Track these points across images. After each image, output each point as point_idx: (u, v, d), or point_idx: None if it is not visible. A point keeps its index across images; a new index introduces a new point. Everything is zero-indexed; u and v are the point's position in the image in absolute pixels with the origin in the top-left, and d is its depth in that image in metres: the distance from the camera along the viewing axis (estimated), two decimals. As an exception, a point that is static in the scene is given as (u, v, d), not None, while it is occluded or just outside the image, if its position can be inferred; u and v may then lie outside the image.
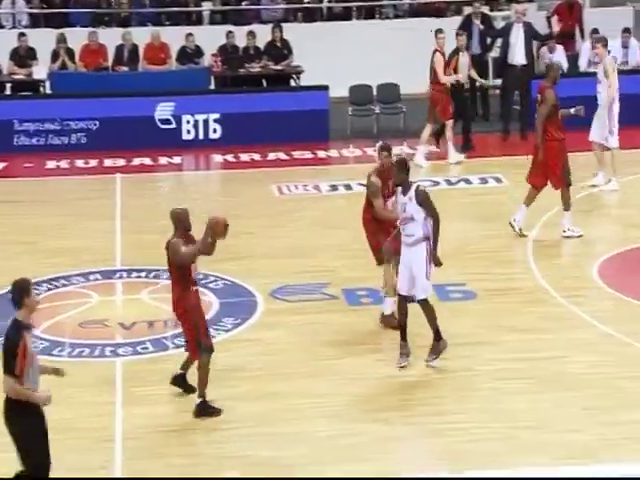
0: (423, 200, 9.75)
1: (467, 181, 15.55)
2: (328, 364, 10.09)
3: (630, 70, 17.86)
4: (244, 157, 17.09)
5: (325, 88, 17.70)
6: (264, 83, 19.05)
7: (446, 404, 9.33)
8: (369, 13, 20.68)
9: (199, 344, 9.12)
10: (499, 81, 18.40)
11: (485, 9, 19.94)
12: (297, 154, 17.11)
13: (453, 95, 16.45)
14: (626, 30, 18.42)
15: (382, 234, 10.65)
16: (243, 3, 20.58)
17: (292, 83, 18.96)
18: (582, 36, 18.89)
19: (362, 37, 19.69)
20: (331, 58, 18.96)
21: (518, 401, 9.28)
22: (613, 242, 12.83)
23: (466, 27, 18.20)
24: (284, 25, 19.29)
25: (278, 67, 18.85)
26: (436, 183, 15.46)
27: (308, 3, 20.59)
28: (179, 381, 9.46)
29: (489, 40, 18.41)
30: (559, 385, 9.42)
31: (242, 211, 14.13)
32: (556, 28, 18.07)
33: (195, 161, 17.49)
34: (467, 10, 19.99)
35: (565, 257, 12.56)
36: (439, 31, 16.54)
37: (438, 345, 9.91)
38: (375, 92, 18.26)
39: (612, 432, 8.78)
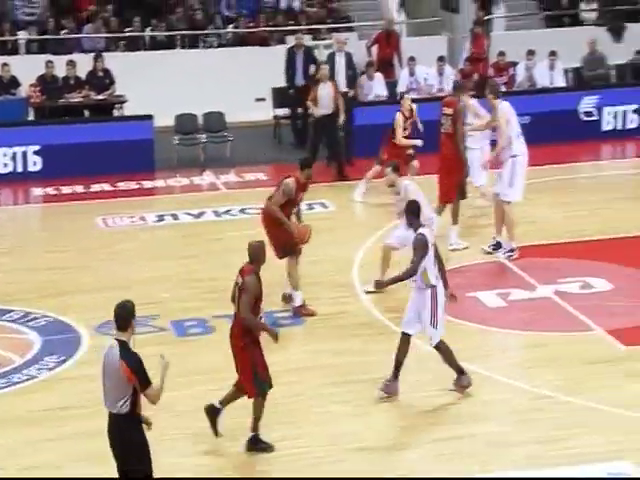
0: (415, 246, 9.74)
1: (325, 205, 15.64)
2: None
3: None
4: (66, 190, 16.72)
5: (149, 117, 17.57)
6: (86, 113, 18.73)
7: (279, 430, 9.36)
8: (193, 42, 20.68)
9: (256, 381, 8.94)
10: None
11: (308, 38, 20.28)
12: (122, 185, 16.88)
13: (322, 126, 16.58)
14: (441, 58, 19.09)
15: (282, 229, 11.49)
16: (62, 32, 20.20)
17: (115, 113, 18.72)
18: (400, 64, 19.42)
19: (186, 66, 19.67)
20: (155, 87, 18.85)
21: (348, 423, 9.41)
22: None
23: (290, 58, 18.41)
24: (106, 54, 19.04)
25: (100, 97, 18.58)
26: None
27: (130, 32, 20.40)
28: (213, 413, 9.18)
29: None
30: (379, 406, 9.60)
31: (64, 245, 13.83)
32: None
33: (13, 195, 16.97)
34: (290, 40, 20.28)
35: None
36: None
37: (462, 379, 9.93)
38: (201, 121, 18.26)
39: (432, 449, 9.01)
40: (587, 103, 18.71)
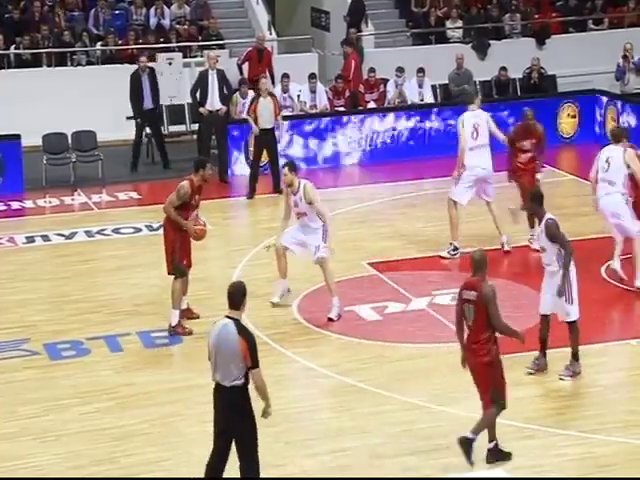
0: (553, 234, 10.18)
1: None
2: (31, 422, 9.72)
3: (318, 113, 18.73)
4: None
5: (17, 137, 17.15)
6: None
7: (156, 452, 9.23)
8: (61, 60, 20.30)
9: (495, 398, 8.81)
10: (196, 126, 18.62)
11: (179, 56, 20.17)
12: (-10, 206, 16.45)
13: (263, 140, 16.52)
14: (312, 75, 19.25)
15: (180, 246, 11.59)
16: None
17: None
18: (273, 81, 19.48)
19: (54, 84, 19.30)
20: (22, 106, 18.42)
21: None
22: (310, 279, 13.23)
23: (135, 81, 18.03)
24: (-30, 73, 18.54)
25: (-36, 117, 18.05)
26: (138, 230, 15.36)
27: (-6, 50, 19.90)
28: (467, 445, 8.83)
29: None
30: (262, 422, 9.46)
31: None
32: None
33: None
34: (160, 57, 20.11)
35: (267, 296, 12.79)
36: None
37: (576, 364, 10.42)
38: (70, 140, 17.91)
39: (315, 463, 9.01)
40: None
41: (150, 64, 18.90)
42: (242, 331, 7.89)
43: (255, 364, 7.90)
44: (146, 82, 18.26)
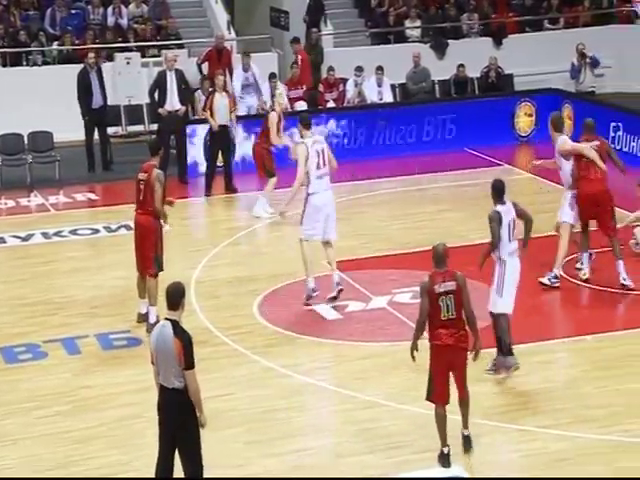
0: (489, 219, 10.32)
1: (127, 227, 15.32)
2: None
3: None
4: None
5: (-28, 138, 16.99)
6: None
7: (117, 455, 9.16)
8: (16, 60, 20.09)
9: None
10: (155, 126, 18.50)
11: (138, 56, 20.06)
12: (-55, 208, 16.27)
13: (219, 136, 16.43)
14: (272, 75, 19.18)
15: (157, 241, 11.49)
16: None
17: None
18: (232, 80, 19.40)
19: (9, 84, 19.10)
20: (-23, 107, 18.27)
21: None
22: (271, 279, 13.22)
23: (84, 79, 17.79)
24: None
25: None
26: (96, 231, 15.25)
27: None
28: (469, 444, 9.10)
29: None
30: (223, 423, 9.52)
31: None
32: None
33: None
34: (119, 57, 19.98)
35: (226, 296, 12.77)
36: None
37: (503, 360, 10.41)
38: (26, 141, 17.73)
39: (276, 463, 9.00)
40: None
41: (107, 63, 18.76)
42: (177, 332, 7.78)
43: (189, 365, 7.76)
44: (95, 80, 18.03)
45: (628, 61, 21.94)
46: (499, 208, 10.40)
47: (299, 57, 20.22)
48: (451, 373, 8.95)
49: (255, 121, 17.28)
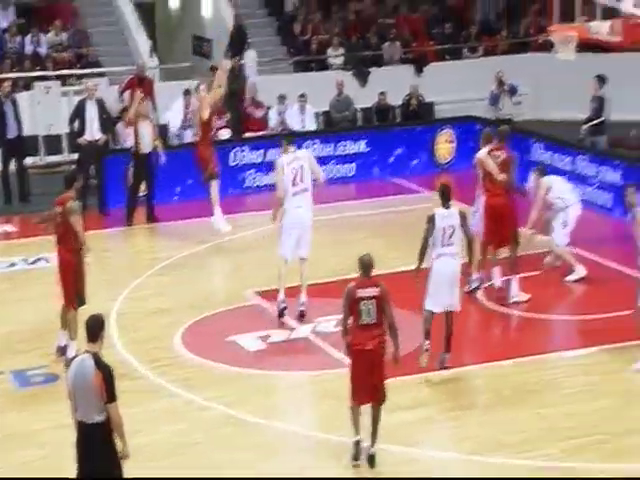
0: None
1: (46, 260, 15.03)
2: None
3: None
4: None
5: None
6: None
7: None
8: None
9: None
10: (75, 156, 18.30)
11: (57, 84, 19.83)
12: None
13: (137, 165, 16.31)
14: (186, 91, 19.10)
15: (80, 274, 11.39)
16: None
17: None
18: (155, 109, 19.26)
19: None
20: None
21: None
22: (193, 310, 13.12)
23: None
24: None
25: None
26: (12, 264, 15.00)
27: None
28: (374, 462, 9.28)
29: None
30: (144, 457, 9.36)
31: None
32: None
33: None
34: (38, 86, 19.75)
35: (148, 328, 12.63)
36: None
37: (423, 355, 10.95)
38: None
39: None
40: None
41: (26, 92, 18.51)
42: (98, 364, 7.70)
43: (111, 398, 7.69)
44: (9, 109, 17.78)
45: (545, 89, 22.37)
46: (438, 211, 10.92)
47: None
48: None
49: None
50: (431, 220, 10.88)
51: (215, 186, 15.59)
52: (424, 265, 10.97)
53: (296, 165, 12.50)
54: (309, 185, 12.60)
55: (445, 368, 11.04)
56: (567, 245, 13.83)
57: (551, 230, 13.76)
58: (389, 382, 9.47)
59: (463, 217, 11.00)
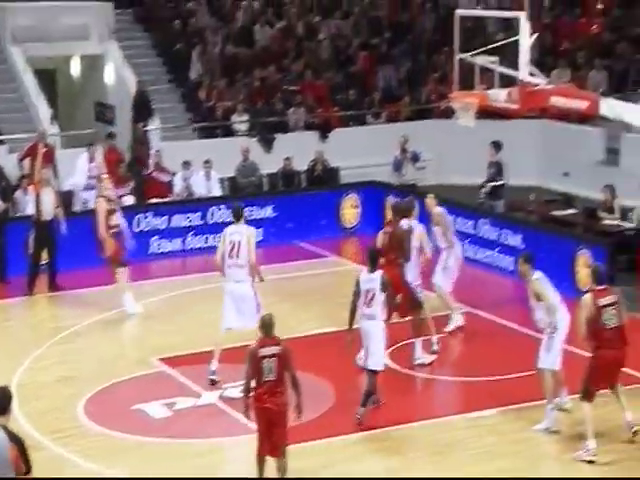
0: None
1: None
2: None
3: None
4: None
5: None
6: None
7: None
8: None
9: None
10: None
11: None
12: None
13: (38, 232, 16.10)
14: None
15: None
16: None
17: None
18: (57, 176, 19.00)
19: None
20: None
21: None
22: (97, 378, 12.84)
23: None
24: None
25: None
26: None
27: None
28: None
29: None
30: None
31: None
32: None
33: None
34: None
35: (50, 398, 12.30)
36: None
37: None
38: None
39: None
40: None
41: None
42: (12, 437, 7.50)
43: (29, 468, 7.53)
44: None
45: (447, 154, 22.79)
46: (362, 275, 11.45)
47: (115, 157, 19.83)
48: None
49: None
50: (357, 284, 11.42)
51: (123, 273, 15.27)
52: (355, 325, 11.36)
53: (235, 238, 12.39)
54: (245, 262, 12.37)
55: (360, 423, 11.18)
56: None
57: (435, 273, 14.02)
58: (293, 447, 9.42)
59: (384, 283, 11.34)
